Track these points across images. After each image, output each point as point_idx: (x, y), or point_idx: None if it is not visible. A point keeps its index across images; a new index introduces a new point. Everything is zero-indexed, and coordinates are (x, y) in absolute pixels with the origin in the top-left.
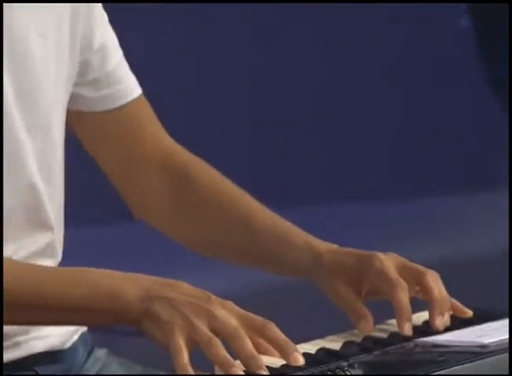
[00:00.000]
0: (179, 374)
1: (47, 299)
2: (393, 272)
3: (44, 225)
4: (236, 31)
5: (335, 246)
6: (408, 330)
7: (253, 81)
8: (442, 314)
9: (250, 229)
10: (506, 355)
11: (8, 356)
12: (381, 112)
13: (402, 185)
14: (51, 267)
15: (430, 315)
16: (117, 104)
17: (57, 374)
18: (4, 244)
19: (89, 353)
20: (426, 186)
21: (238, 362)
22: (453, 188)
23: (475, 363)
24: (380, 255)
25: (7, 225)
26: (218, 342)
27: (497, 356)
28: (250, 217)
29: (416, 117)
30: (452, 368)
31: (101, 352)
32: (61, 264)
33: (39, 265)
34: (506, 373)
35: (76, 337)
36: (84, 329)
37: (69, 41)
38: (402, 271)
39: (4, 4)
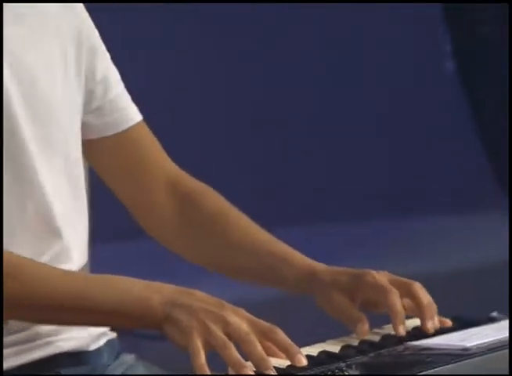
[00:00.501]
0: (197, 373)
1: (79, 302)
2: (385, 282)
3: (54, 233)
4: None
5: (329, 266)
6: (403, 332)
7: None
8: (432, 318)
9: (250, 248)
10: (486, 356)
11: (33, 355)
12: (374, 142)
13: (396, 206)
14: (83, 273)
15: (422, 319)
16: (120, 129)
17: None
18: (20, 251)
19: (115, 358)
20: (416, 207)
21: (249, 363)
22: (439, 209)
23: (458, 363)
24: (372, 272)
25: (23, 234)
26: (231, 345)
27: (477, 358)
28: (250, 238)
29: (407, 149)
30: (438, 368)
31: (128, 357)
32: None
33: (73, 271)
34: (485, 372)
35: (102, 342)
36: (111, 336)
37: (75, 73)
38: (393, 284)
39: (15, 37)
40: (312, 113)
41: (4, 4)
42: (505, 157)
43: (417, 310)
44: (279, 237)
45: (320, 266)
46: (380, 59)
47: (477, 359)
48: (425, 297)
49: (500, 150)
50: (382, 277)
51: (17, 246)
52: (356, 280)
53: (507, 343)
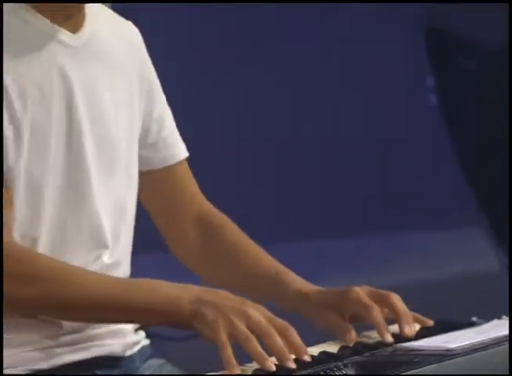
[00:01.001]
0: (226, 363)
1: (119, 302)
2: (367, 300)
3: (104, 247)
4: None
5: (318, 287)
6: (389, 339)
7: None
8: (408, 324)
9: (258, 273)
10: (468, 356)
11: (75, 356)
12: (366, 166)
13: (388, 222)
14: (122, 278)
15: (400, 326)
16: (168, 164)
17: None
18: (74, 261)
19: (144, 362)
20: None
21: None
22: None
23: (442, 363)
24: (355, 288)
25: (77, 245)
26: (253, 338)
27: (460, 358)
28: (258, 264)
29: (393, 172)
30: (424, 368)
31: (159, 362)
32: None
33: (113, 276)
34: (468, 371)
35: (136, 349)
36: (145, 343)
37: (135, 111)
38: (373, 296)
39: (93, 76)
40: (309, 138)
41: (86, 45)
42: (482, 181)
43: (396, 318)
44: (274, 253)
45: (311, 289)
46: (369, 90)
47: (460, 359)
48: (401, 306)
49: (477, 174)
50: (363, 292)
51: (70, 256)
52: (342, 298)
53: (488, 344)
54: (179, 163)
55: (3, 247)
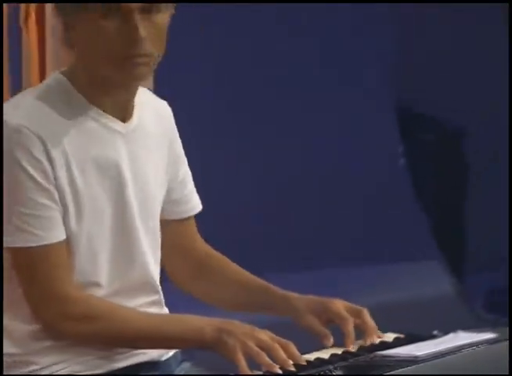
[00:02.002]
0: (241, 372)
1: (154, 334)
2: (345, 313)
3: (152, 288)
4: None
5: (299, 294)
6: (352, 348)
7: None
8: (372, 335)
9: (247, 291)
10: (431, 362)
11: (125, 363)
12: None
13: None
14: (158, 314)
15: (367, 336)
16: (184, 216)
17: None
18: (124, 302)
19: (178, 365)
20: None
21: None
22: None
23: (411, 367)
24: (335, 301)
25: (129, 286)
26: (263, 353)
27: (424, 364)
28: (245, 280)
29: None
30: (397, 370)
31: (187, 364)
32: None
33: (150, 313)
34: (430, 373)
35: (170, 354)
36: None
37: (164, 174)
38: (348, 310)
39: (139, 155)
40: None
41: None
42: (440, 225)
43: (364, 329)
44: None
45: (294, 295)
46: (356, 154)
47: (424, 364)
48: (369, 320)
49: (436, 219)
50: (341, 305)
51: (121, 297)
52: (323, 307)
53: (446, 352)
54: (192, 215)
55: (65, 295)
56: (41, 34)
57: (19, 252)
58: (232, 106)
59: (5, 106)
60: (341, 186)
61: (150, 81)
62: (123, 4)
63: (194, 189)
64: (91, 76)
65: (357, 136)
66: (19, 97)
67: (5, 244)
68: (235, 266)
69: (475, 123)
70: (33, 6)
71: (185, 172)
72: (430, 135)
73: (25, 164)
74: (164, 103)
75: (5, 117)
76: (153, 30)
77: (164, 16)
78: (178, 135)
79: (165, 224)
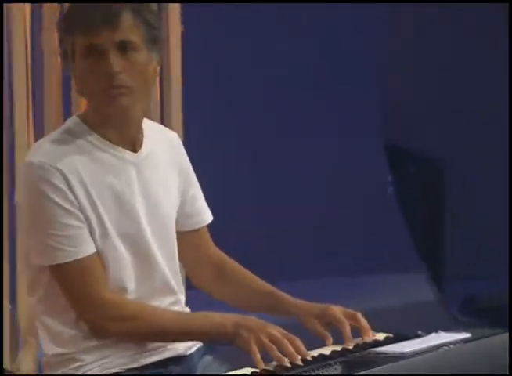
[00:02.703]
0: (256, 363)
1: (180, 330)
2: (341, 316)
3: (171, 291)
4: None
5: (303, 301)
6: (349, 345)
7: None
8: (367, 334)
9: (257, 294)
10: (416, 358)
11: (155, 358)
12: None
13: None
14: (181, 311)
15: (363, 336)
16: (196, 227)
17: (182, 371)
18: (149, 302)
19: (200, 358)
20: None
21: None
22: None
23: (399, 362)
24: (331, 305)
25: (151, 291)
26: (274, 347)
27: (410, 359)
28: (256, 285)
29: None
30: (387, 365)
31: (209, 358)
32: None
33: (176, 311)
34: (415, 367)
35: (194, 349)
36: (199, 344)
37: (176, 194)
38: (344, 313)
39: (153, 182)
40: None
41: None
42: (424, 243)
43: (360, 329)
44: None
45: (298, 301)
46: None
47: (410, 359)
48: (364, 322)
49: (419, 236)
50: (337, 310)
51: (145, 300)
52: (323, 312)
53: (429, 349)
54: (204, 226)
55: (103, 299)
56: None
57: (57, 268)
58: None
59: (31, 149)
60: (336, 207)
61: (176, 116)
62: (99, 44)
63: (205, 203)
64: (98, 114)
65: (354, 168)
66: (41, 140)
67: (45, 263)
68: (246, 272)
69: (453, 156)
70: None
71: (196, 190)
72: (414, 166)
73: (50, 194)
74: (174, 134)
75: (29, 157)
76: (129, 65)
77: (141, 54)
78: (188, 161)
79: (181, 235)
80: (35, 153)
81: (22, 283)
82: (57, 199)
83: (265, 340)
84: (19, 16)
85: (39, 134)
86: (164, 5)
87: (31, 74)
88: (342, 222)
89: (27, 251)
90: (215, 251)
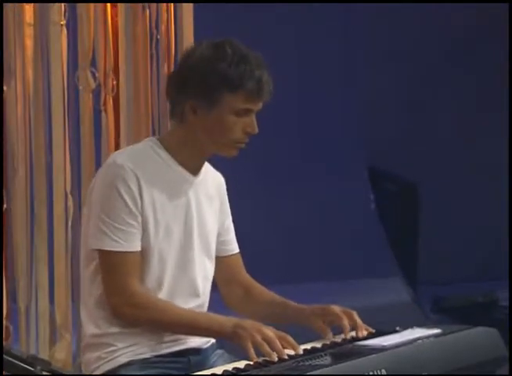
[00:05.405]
0: (249, 357)
1: (188, 325)
2: (341, 313)
3: (196, 294)
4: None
5: (304, 305)
6: (349, 337)
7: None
8: (362, 330)
9: (278, 310)
10: (395, 349)
11: (175, 348)
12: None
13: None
14: (193, 311)
15: (356, 331)
16: (228, 254)
17: (198, 360)
18: (180, 302)
19: (213, 351)
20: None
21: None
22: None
23: (380, 353)
24: (331, 305)
25: (182, 294)
26: (265, 344)
27: (389, 351)
28: (278, 305)
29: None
30: (369, 356)
31: (220, 351)
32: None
33: (188, 309)
34: (393, 358)
35: (209, 344)
36: (213, 340)
37: (217, 220)
38: (342, 311)
39: (201, 204)
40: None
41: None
42: (401, 250)
43: (354, 326)
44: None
45: (302, 306)
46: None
47: (390, 351)
48: (358, 320)
49: (396, 244)
50: (337, 308)
51: (180, 299)
52: (324, 311)
53: (406, 343)
54: (234, 254)
55: (131, 288)
56: (117, 113)
57: (105, 253)
58: None
59: (114, 153)
60: (327, 224)
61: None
62: (253, 109)
63: (234, 236)
64: (188, 144)
65: (339, 190)
66: (125, 148)
67: (97, 246)
68: (266, 291)
69: (427, 177)
70: (110, 93)
71: (229, 221)
72: (393, 185)
73: (122, 192)
74: (220, 175)
75: (113, 157)
76: None
77: None
78: (227, 198)
79: (218, 260)
80: (119, 155)
81: (60, 285)
82: (126, 197)
83: (258, 338)
84: (57, 55)
85: (74, 167)
86: (178, 4)
87: (67, 111)
88: (332, 235)
89: (85, 231)
90: (245, 276)
